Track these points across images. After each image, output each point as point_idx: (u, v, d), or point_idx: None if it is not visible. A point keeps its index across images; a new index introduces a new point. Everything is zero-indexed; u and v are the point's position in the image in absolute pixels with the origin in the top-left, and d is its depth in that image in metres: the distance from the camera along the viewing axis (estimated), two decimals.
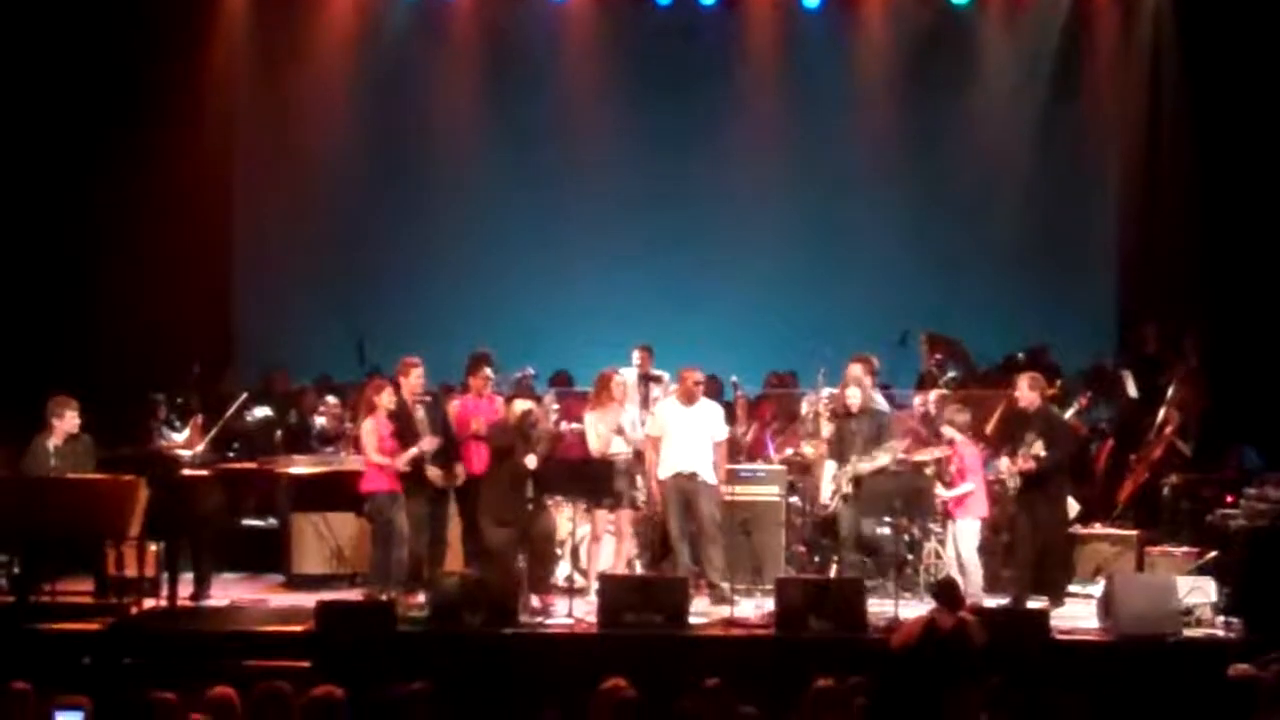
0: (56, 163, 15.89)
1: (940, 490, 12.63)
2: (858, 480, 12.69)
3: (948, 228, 17.05)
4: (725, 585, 12.56)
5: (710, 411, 12.99)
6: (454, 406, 13.18)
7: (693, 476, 12.71)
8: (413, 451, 12.48)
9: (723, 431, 13.02)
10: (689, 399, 12.91)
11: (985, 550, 12.98)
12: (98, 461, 12.46)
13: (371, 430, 12.48)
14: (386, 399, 12.54)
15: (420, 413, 12.73)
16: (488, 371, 13.09)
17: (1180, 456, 14.34)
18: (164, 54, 16.39)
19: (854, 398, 12.88)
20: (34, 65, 15.85)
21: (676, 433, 12.81)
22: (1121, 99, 17.22)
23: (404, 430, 12.58)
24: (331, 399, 14.97)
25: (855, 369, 13.05)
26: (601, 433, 12.90)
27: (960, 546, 12.57)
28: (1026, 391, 12.61)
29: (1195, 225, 16.26)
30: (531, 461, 12.25)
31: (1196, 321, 15.38)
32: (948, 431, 12.83)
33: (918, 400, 14.04)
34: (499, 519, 12.33)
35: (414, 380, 12.77)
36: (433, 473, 12.68)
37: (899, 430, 13.33)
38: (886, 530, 12.91)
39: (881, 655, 10.20)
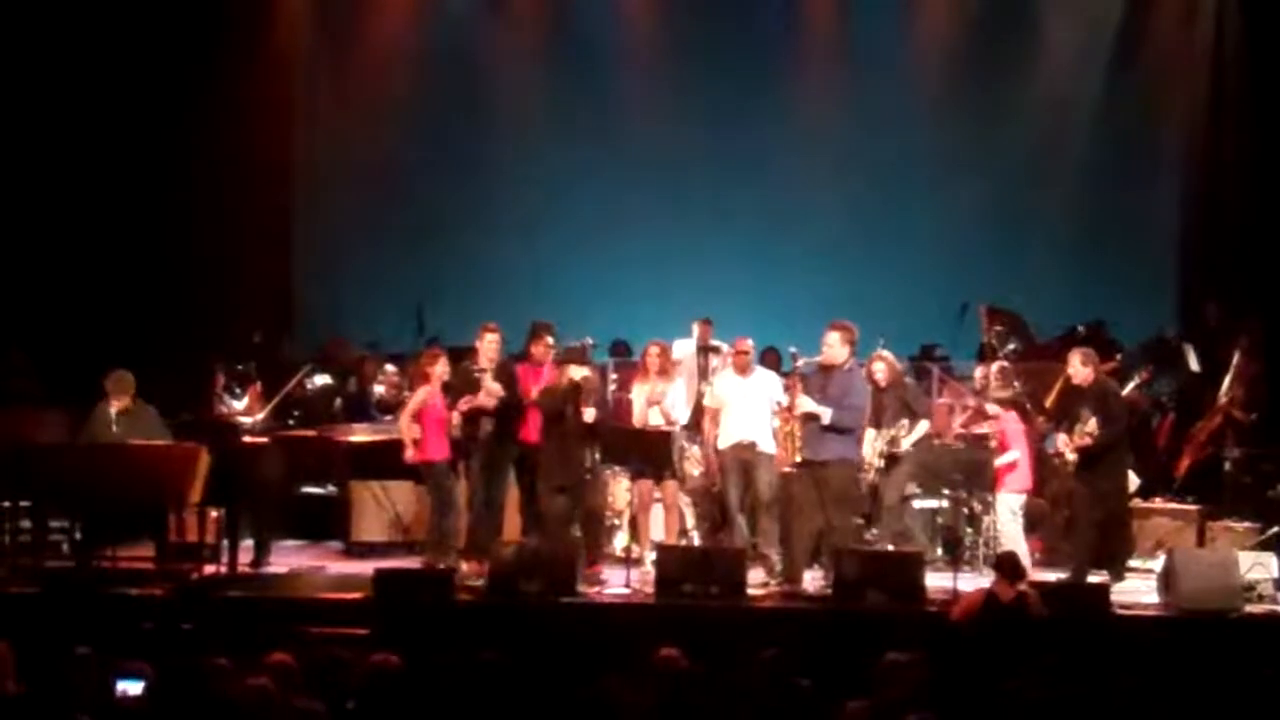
0: (121, 134, 15.99)
1: None
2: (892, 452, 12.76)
3: (1008, 199, 16.98)
4: (775, 556, 12.55)
5: (767, 380, 12.92)
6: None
7: (752, 446, 12.61)
8: (465, 405, 12.43)
9: (783, 398, 12.88)
10: (742, 370, 12.88)
11: (1044, 525, 12.93)
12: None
13: (417, 400, 12.46)
14: (440, 369, 12.55)
15: (488, 379, 12.60)
16: (549, 340, 13.06)
17: (1238, 426, 14.22)
18: (228, 26, 16.51)
19: (880, 373, 12.86)
20: (95, 38, 15.98)
21: (734, 404, 12.76)
22: (1184, 73, 17.07)
23: (463, 396, 12.54)
24: (390, 367, 15.01)
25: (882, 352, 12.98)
26: (641, 404, 12.94)
27: (998, 519, 12.55)
28: (1079, 367, 12.46)
29: (1257, 200, 16.12)
30: (589, 415, 12.25)
31: (1258, 297, 15.24)
32: (991, 407, 12.80)
33: (979, 373, 13.98)
34: (555, 485, 12.37)
35: (487, 346, 12.67)
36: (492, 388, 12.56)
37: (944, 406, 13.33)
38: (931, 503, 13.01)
39: (941, 628, 10.18)
